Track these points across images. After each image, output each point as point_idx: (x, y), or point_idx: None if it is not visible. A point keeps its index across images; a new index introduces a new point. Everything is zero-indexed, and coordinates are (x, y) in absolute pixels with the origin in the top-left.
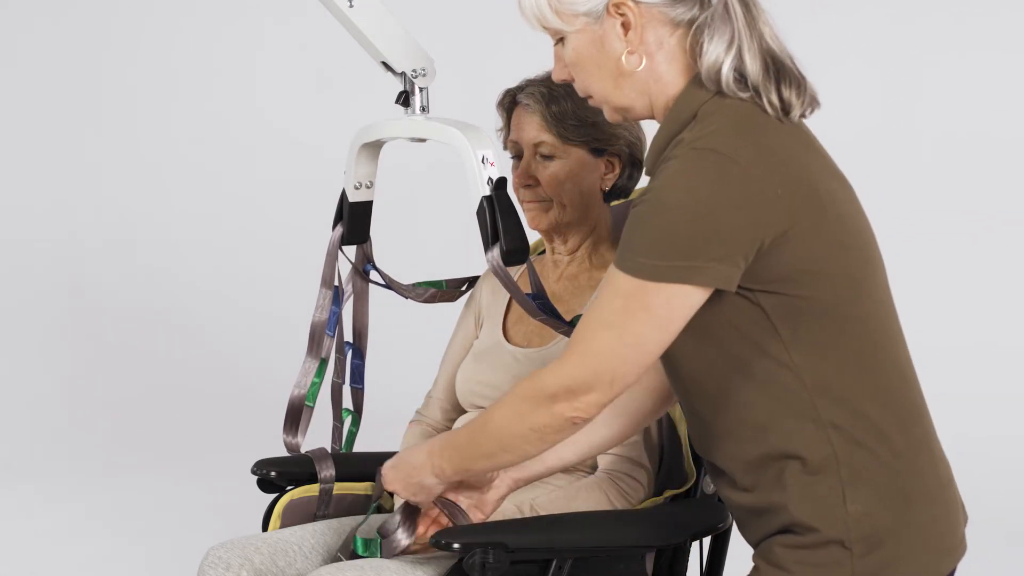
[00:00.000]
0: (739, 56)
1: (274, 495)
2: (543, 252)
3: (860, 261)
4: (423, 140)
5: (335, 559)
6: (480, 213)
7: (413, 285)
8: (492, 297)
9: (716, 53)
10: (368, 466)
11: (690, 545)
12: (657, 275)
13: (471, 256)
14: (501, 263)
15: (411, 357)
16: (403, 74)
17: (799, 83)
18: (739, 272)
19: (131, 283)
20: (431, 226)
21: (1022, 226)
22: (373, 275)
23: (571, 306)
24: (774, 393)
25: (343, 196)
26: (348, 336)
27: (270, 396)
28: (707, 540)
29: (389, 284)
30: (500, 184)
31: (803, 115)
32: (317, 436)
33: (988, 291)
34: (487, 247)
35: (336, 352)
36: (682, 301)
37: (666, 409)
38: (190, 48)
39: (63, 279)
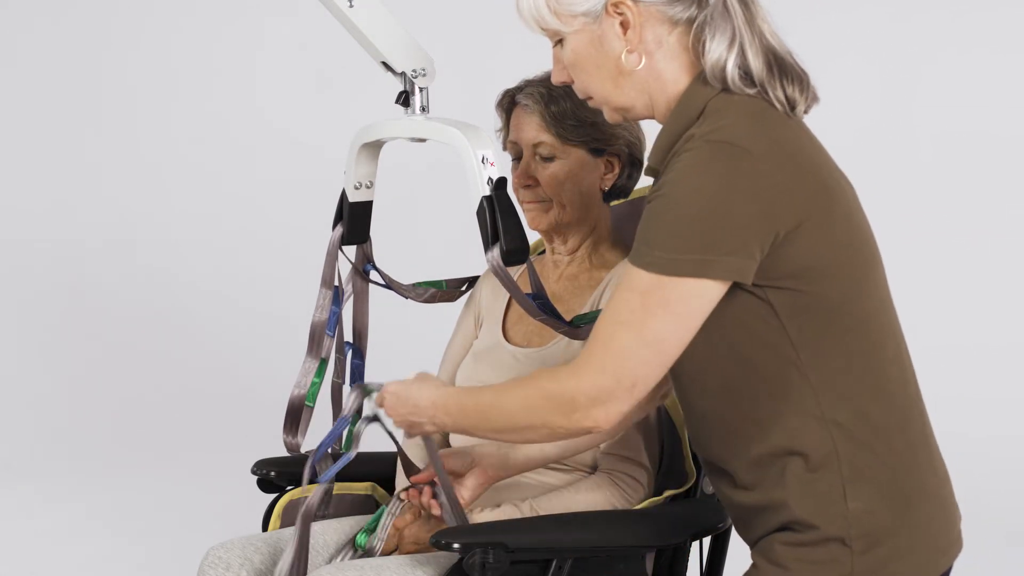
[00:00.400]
0: (742, 54)
1: (274, 495)
2: (543, 252)
3: (863, 260)
4: (423, 140)
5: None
6: (480, 213)
7: (413, 285)
8: (492, 297)
9: (719, 51)
10: (368, 466)
11: (690, 545)
12: (675, 269)
13: (471, 256)
14: (501, 263)
15: (411, 357)
16: (403, 74)
17: (801, 79)
18: (755, 265)
19: (131, 283)
20: (431, 226)
21: (1021, 225)
22: (373, 275)
23: (571, 306)
24: (779, 391)
25: (343, 196)
26: (348, 336)
27: (270, 396)
28: (707, 540)
29: (389, 284)
30: (500, 184)
31: (805, 111)
32: (317, 436)
33: (987, 291)
34: (487, 247)
35: (336, 352)
36: (700, 296)
37: (648, 411)
38: (190, 48)
39: (63, 279)
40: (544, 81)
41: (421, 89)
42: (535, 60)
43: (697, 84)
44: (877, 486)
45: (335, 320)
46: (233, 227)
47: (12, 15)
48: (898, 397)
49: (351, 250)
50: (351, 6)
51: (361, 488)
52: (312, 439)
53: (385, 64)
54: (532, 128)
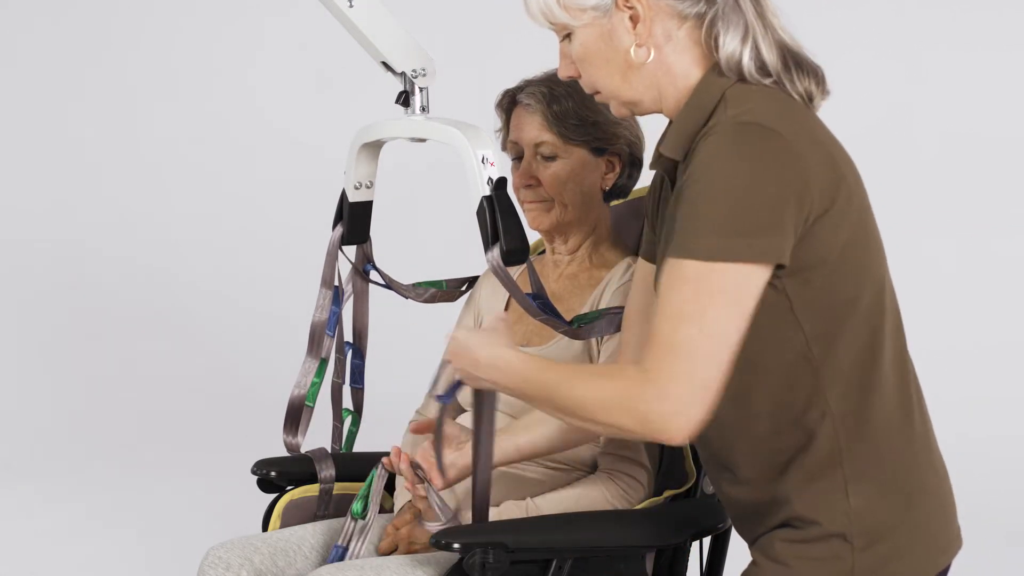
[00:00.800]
0: (756, 47)
1: (274, 495)
2: (543, 252)
3: (873, 255)
4: (423, 140)
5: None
6: (480, 213)
7: (413, 285)
8: (492, 297)
9: (733, 45)
10: (368, 466)
11: (690, 545)
12: (723, 254)
13: (471, 256)
14: (501, 263)
15: (411, 357)
16: (403, 74)
17: (816, 73)
18: (791, 246)
19: (131, 283)
20: (431, 226)
21: (1021, 225)
22: (373, 275)
23: (571, 305)
24: (790, 386)
25: (343, 196)
26: (348, 336)
27: (270, 396)
28: (707, 540)
29: (389, 284)
30: (500, 184)
31: (818, 106)
32: (317, 436)
33: (987, 290)
34: (487, 247)
35: (336, 352)
36: (748, 280)
37: None
38: (190, 48)
39: (63, 279)
40: (546, 81)
41: (421, 89)
42: (535, 60)
43: (712, 75)
44: (879, 483)
45: (335, 320)
46: (233, 227)
47: (12, 15)
48: (901, 394)
49: (351, 250)
50: (351, 6)
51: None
52: (312, 439)
53: (385, 64)
54: (534, 128)
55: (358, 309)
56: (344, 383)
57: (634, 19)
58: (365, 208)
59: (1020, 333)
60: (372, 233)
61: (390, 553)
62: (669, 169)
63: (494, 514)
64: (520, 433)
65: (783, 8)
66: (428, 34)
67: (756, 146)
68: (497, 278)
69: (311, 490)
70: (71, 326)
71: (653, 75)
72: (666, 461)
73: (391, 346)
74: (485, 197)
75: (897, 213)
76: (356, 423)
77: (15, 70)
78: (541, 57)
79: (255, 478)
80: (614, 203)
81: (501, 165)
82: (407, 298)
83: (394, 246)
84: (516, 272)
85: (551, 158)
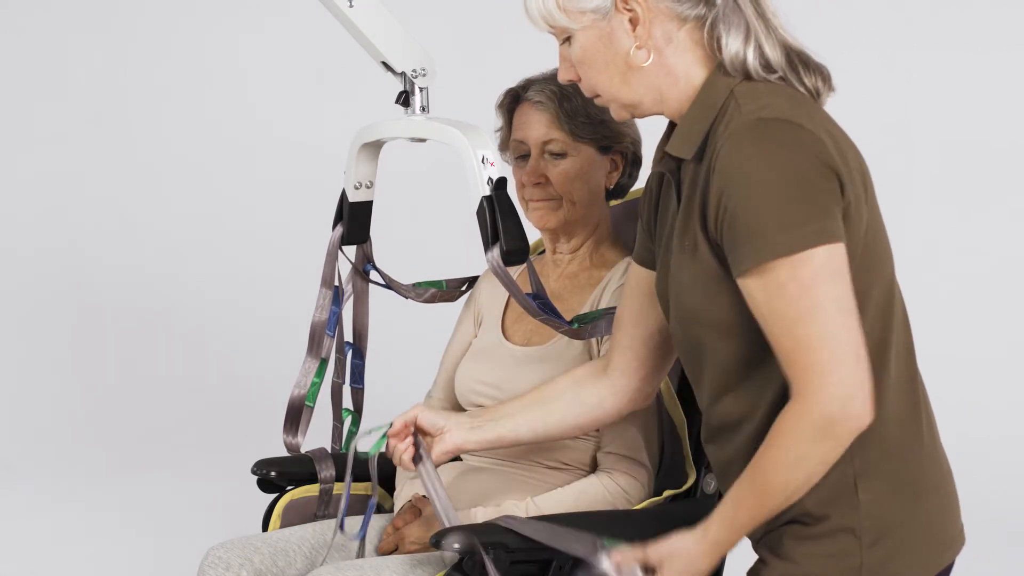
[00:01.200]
0: (759, 47)
1: (274, 495)
2: (543, 252)
3: (883, 250)
4: (423, 140)
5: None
6: (480, 213)
7: (413, 285)
8: (491, 297)
9: (736, 46)
10: (368, 466)
11: None
12: (802, 243)
13: (471, 256)
14: (501, 263)
15: (411, 357)
16: (403, 74)
17: (822, 71)
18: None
19: (131, 284)
20: (431, 226)
21: (1022, 225)
22: (373, 275)
23: (571, 304)
24: None
25: (343, 196)
26: (348, 336)
27: (270, 396)
28: None
29: (389, 284)
30: (500, 184)
31: (823, 102)
32: (317, 436)
33: (987, 291)
34: (487, 247)
35: (336, 352)
36: (836, 257)
37: (628, 411)
38: (188, 48)
39: (64, 280)
40: (551, 79)
41: (421, 89)
42: (535, 60)
43: (717, 75)
44: (887, 479)
45: (335, 320)
46: (233, 227)
47: (11, 15)
48: (908, 390)
49: (351, 250)
50: (351, 6)
51: (361, 488)
52: (312, 439)
53: (385, 64)
54: (542, 126)
55: (358, 309)
56: (344, 383)
57: (633, 21)
58: (365, 208)
59: (1020, 334)
60: (372, 233)
61: (390, 553)
62: (673, 169)
63: (494, 514)
64: (503, 421)
65: (782, 9)
66: (428, 34)
67: (785, 139)
68: (497, 278)
69: (311, 490)
70: (71, 326)
71: (654, 77)
72: (666, 461)
73: (391, 346)
74: (485, 197)
75: (898, 213)
76: (356, 423)
77: (15, 70)
78: (541, 57)
79: (255, 478)
80: (613, 203)
81: (501, 165)
82: (407, 298)
83: (394, 246)
84: (516, 272)
85: (560, 156)
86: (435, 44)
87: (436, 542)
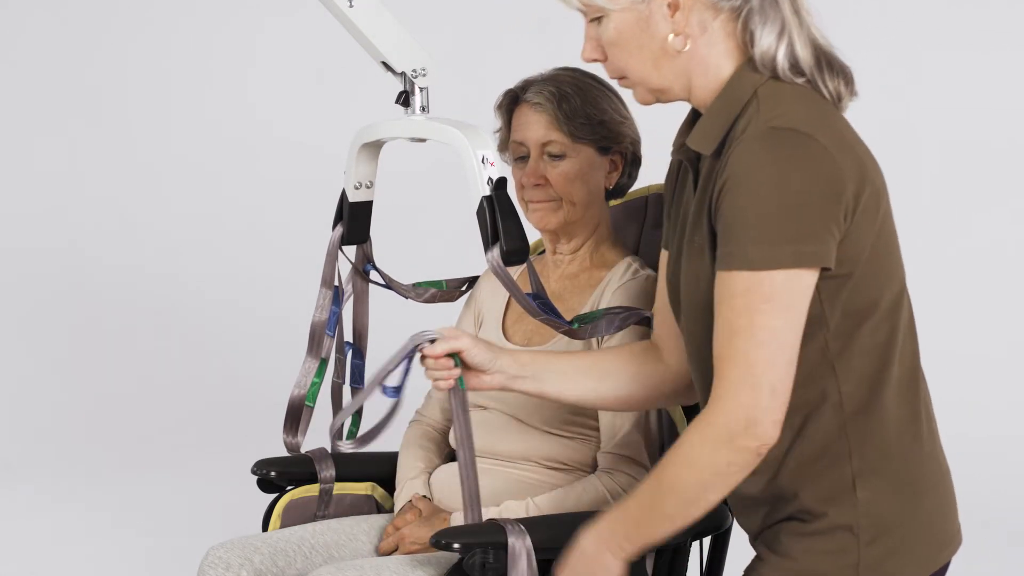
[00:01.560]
0: (791, 44)
1: (274, 495)
2: (543, 252)
3: (896, 257)
4: (423, 140)
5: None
6: (480, 213)
7: (413, 285)
8: (492, 297)
9: (768, 41)
10: (368, 466)
11: (690, 545)
12: (770, 262)
13: (471, 256)
14: (501, 263)
15: None
16: (403, 74)
17: (845, 73)
18: (835, 249)
19: (131, 284)
20: (431, 226)
21: (1022, 226)
22: (373, 275)
23: (571, 304)
24: (808, 381)
25: (343, 196)
26: (348, 336)
27: (270, 396)
28: (707, 540)
29: (389, 284)
30: (500, 184)
31: (845, 107)
32: (317, 436)
33: (987, 290)
34: (487, 247)
35: (336, 352)
36: (799, 284)
37: (680, 402)
38: (189, 48)
39: (64, 281)
40: (550, 80)
41: (421, 89)
42: (535, 60)
43: (745, 70)
44: (886, 477)
45: (335, 320)
46: (233, 227)
47: (10, 15)
48: (910, 390)
49: (351, 250)
50: (351, 6)
51: (361, 488)
52: (312, 439)
53: (385, 64)
54: (541, 127)
55: (358, 309)
56: (344, 383)
57: (672, 7)
58: (365, 208)
59: (1020, 334)
60: (372, 233)
61: (390, 553)
62: (692, 160)
63: (494, 513)
64: (549, 379)
65: (815, 8)
66: (428, 34)
67: (793, 152)
68: (497, 278)
69: (311, 490)
70: (71, 326)
71: (685, 65)
72: None
73: (391, 346)
74: (485, 197)
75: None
76: (356, 423)
77: (14, 70)
78: (541, 57)
79: (255, 478)
80: (612, 203)
81: (501, 165)
82: (407, 298)
83: (394, 246)
84: (516, 272)
85: (559, 157)
86: (435, 44)
87: (436, 542)
